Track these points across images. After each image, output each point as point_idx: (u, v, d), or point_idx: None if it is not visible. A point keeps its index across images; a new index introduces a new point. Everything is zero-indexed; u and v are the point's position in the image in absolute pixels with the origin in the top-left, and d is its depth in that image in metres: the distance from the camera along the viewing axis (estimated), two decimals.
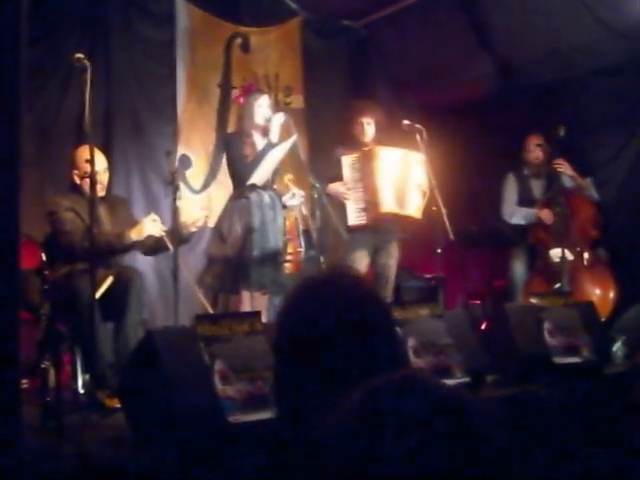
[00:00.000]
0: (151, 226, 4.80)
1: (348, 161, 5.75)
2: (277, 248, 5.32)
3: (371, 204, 5.67)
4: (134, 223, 4.89)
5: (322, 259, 5.33)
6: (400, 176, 5.74)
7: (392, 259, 5.92)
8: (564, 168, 6.48)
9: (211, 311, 5.06)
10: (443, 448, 0.91)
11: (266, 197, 5.36)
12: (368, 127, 5.87)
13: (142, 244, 5.10)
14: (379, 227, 5.77)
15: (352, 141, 5.94)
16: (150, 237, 4.88)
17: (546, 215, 6.47)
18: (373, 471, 0.90)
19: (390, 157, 5.76)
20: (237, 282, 5.20)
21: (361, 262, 5.73)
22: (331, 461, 0.94)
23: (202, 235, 6.13)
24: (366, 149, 5.82)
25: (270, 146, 5.27)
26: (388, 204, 5.67)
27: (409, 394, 0.96)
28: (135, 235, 4.75)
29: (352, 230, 5.68)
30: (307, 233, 5.78)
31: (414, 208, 5.77)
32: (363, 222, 5.68)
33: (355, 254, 5.75)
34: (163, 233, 4.81)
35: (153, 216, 4.89)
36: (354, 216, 5.69)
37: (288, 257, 5.63)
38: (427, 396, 0.96)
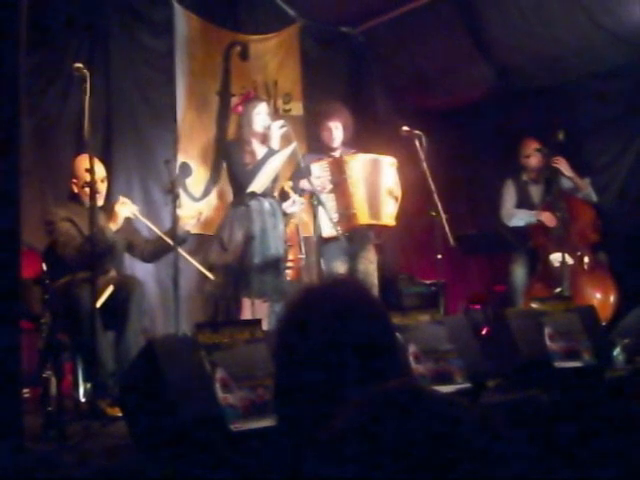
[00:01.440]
0: (123, 209, 4.86)
1: (318, 169, 5.60)
2: (278, 255, 5.31)
3: (345, 216, 5.54)
4: (130, 230, 4.94)
5: (323, 266, 5.31)
6: (371, 183, 5.65)
7: (371, 264, 5.83)
8: (562, 166, 6.47)
9: (210, 276, 5.07)
10: (438, 460, 0.91)
11: (266, 204, 5.36)
12: (336, 131, 5.78)
13: (141, 251, 5.11)
14: (353, 235, 5.66)
15: (320, 147, 5.89)
16: (148, 241, 4.95)
17: (548, 218, 6.46)
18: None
19: (360, 164, 5.65)
20: (238, 290, 5.20)
21: (339, 270, 5.63)
22: (330, 471, 0.94)
23: (202, 243, 6.15)
24: (335, 157, 5.74)
25: (271, 153, 5.28)
26: (363, 216, 5.58)
27: (406, 405, 0.96)
28: (113, 224, 4.80)
29: (327, 241, 5.51)
30: (307, 240, 5.78)
31: (388, 217, 5.70)
32: (338, 233, 5.42)
33: (332, 263, 5.59)
34: (136, 212, 4.91)
35: (122, 199, 4.96)
36: (328, 227, 5.45)
37: (289, 264, 5.63)
38: (423, 408, 0.96)
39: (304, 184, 5.51)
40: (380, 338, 1.50)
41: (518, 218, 6.66)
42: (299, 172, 5.56)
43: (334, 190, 5.59)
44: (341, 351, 1.45)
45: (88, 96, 4.16)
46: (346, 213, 5.55)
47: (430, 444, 0.92)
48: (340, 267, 5.65)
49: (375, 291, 5.77)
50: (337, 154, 5.79)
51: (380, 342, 1.50)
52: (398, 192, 5.71)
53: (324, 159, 5.72)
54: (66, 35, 6.05)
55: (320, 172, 5.60)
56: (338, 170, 5.60)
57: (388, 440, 0.92)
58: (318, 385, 1.44)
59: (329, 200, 5.56)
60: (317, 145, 5.89)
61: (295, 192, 5.49)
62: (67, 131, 5.88)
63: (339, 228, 5.42)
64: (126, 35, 6.41)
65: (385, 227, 5.79)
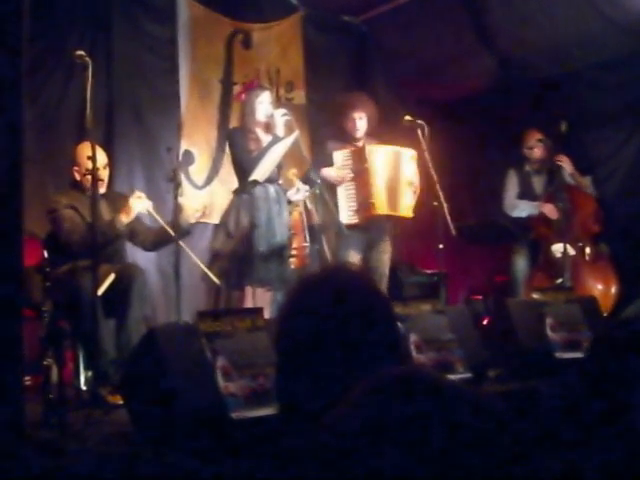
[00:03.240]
0: (137, 203, 4.85)
1: (340, 157, 5.72)
2: (283, 243, 5.31)
3: (364, 205, 5.65)
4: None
5: (327, 254, 5.33)
6: (391, 175, 5.73)
7: (385, 254, 5.90)
8: (565, 164, 6.48)
9: (216, 280, 5.08)
10: (445, 444, 0.91)
11: (272, 191, 5.36)
12: (360, 122, 5.80)
13: (143, 240, 5.11)
14: (371, 225, 5.75)
15: (343, 135, 5.89)
16: (150, 230, 4.93)
17: (550, 210, 6.46)
18: (375, 469, 0.91)
19: (381, 155, 5.73)
20: (242, 277, 5.18)
21: (353, 259, 5.69)
22: (333, 459, 0.94)
23: (204, 232, 6.15)
24: (358, 146, 5.78)
25: (275, 141, 5.27)
26: (381, 206, 5.67)
27: (411, 390, 0.96)
28: (125, 217, 4.79)
29: (346, 228, 5.59)
30: (312, 228, 5.78)
31: (406, 208, 5.77)
32: (355, 221, 5.65)
33: (347, 252, 5.68)
34: (150, 208, 4.89)
35: (138, 193, 4.95)
36: (346, 215, 5.64)
37: (293, 252, 5.63)
38: (429, 392, 0.96)
39: (328, 172, 5.64)
40: (380, 324, 1.50)
41: (520, 209, 6.65)
42: (321, 159, 5.64)
43: (354, 179, 5.67)
44: (341, 338, 1.45)
45: (90, 84, 4.15)
46: (365, 202, 5.64)
47: (435, 430, 0.92)
48: (354, 256, 5.71)
49: (385, 281, 5.83)
50: (360, 144, 5.82)
51: (381, 329, 1.50)
52: (417, 184, 5.74)
53: (347, 147, 5.77)
54: (68, 22, 6.03)
55: (342, 160, 5.70)
56: (360, 159, 5.68)
57: (392, 426, 0.92)
58: (320, 372, 1.44)
59: (349, 189, 5.66)
60: (339, 133, 5.90)
61: (308, 179, 5.50)
62: (69, 119, 5.86)
63: (357, 217, 5.60)
64: (128, 22, 6.39)
65: (402, 218, 5.83)
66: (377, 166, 5.67)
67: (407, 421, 0.92)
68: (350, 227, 5.60)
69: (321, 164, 5.71)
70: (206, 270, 5.09)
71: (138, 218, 5.17)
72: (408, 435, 0.91)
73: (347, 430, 0.95)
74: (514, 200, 6.72)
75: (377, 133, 5.96)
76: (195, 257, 5.05)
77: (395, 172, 5.74)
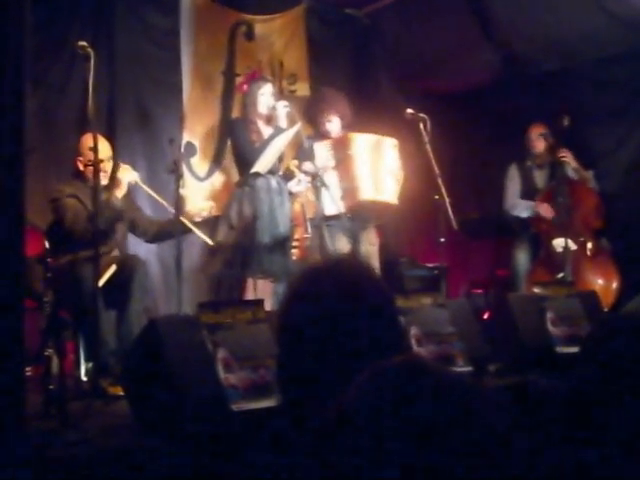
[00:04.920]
0: (125, 175, 4.88)
1: (322, 148, 5.65)
2: (286, 234, 5.31)
3: (349, 191, 5.57)
4: (133, 208, 4.94)
5: (329, 245, 5.32)
6: (374, 161, 5.69)
7: (373, 245, 5.88)
8: (568, 159, 6.47)
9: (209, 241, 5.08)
10: (446, 433, 0.91)
11: (273, 182, 5.36)
12: (330, 125, 5.82)
13: (144, 231, 5.12)
14: (355, 215, 5.65)
15: (320, 132, 5.89)
16: (152, 222, 4.95)
17: (545, 209, 6.46)
18: (377, 459, 0.91)
19: (364, 142, 5.71)
20: (245, 269, 5.18)
21: (344, 250, 5.66)
22: (334, 449, 0.94)
23: (206, 223, 6.14)
24: (339, 136, 5.77)
25: (277, 133, 5.26)
26: (367, 191, 5.61)
27: (412, 379, 0.96)
28: (118, 191, 4.80)
29: (329, 219, 5.54)
30: (313, 219, 5.77)
31: (390, 194, 5.73)
32: (341, 211, 5.50)
33: (337, 243, 5.61)
34: (137, 179, 4.97)
35: (123, 166, 5.00)
36: (331, 205, 5.51)
37: (295, 243, 5.62)
38: (430, 381, 0.96)
39: (307, 166, 5.54)
40: (383, 316, 1.51)
41: (520, 210, 6.65)
42: (302, 154, 5.57)
43: (338, 167, 5.61)
44: (344, 329, 1.45)
45: (92, 74, 4.15)
46: (350, 187, 5.58)
47: (437, 420, 0.92)
48: (344, 246, 5.67)
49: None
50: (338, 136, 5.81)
51: (383, 320, 1.50)
52: (400, 174, 5.72)
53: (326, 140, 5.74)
54: (70, 13, 6.02)
55: (324, 151, 5.63)
56: (342, 147, 5.64)
57: (395, 417, 0.92)
58: (321, 364, 1.44)
59: (333, 177, 5.59)
60: (316, 132, 5.90)
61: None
62: (71, 110, 5.86)
63: (343, 206, 5.48)
64: (131, 13, 6.36)
65: (388, 205, 5.78)
66: (361, 151, 5.64)
67: (408, 406, 0.92)
68: (335, 217, 5.51)
69: (303, 160, 5.64)
70: (205, 238, 5.07)
71: (139, 209, 5.18)
72: (408, 420, 0.91)
73: (350, 416, 0.95)
74: (515, 199, 6.71)
75: (357, 122, 5.94)
76: (197, 230, 5.03)
77: (378, 159, 5.70)
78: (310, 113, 5.96)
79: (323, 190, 5.42)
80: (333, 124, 5.81)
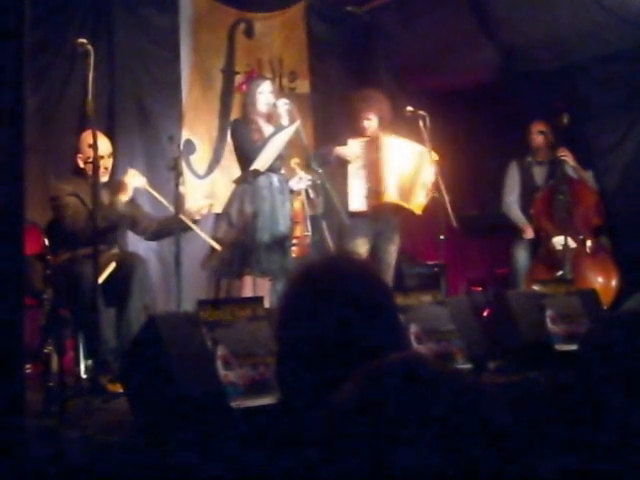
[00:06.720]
0: (132, 180, 4.85)
1: (355, 145, 5.79)
2: (286, 232, 5.32)
3: (374, 192, 5.71)
4: (133, 206, 4.93)
5: (328, 243, 5.33)
6: (409, 170, 5.78)
7: (393, 245, 5.94)
8: (568, 158, 6.47)
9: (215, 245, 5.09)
10: (446, 430, 0.91)
11: (275, 180, 5.36)
12: (368, 122, 5.85)
13: (144, 229, 5.11)
14: (379, 215, 5.80)
15: (357, 132, 5.92)
16: (152, 220, 4.94)
17: (529, 233, 6.48)
18: (376, 457, 0.91)
19: (399, 148, 5.79)
20: (244, 267, 5.18)
21: (361, 248, 5.73)
22: (333, 446, 0.94)
23: (205, 220, 6.13)
24: (373, 136, 5.83)
25: (278, 131, 5.26)
26: (391, 194, 5.72)
27: (411, 376, 0.96)
28: (123, 196, 4.78)
29: (353, 215, 5.68)
30: (313, 217, 5.78)
31: (416, 204, 5.78)
32: (364, 208, 5.73)
33: (356, 240, 5.75)
34: (145, 184, 4.92)
35: (131, 171, 4.96)
36: (356, 202, 5.73)
37: (294, 241, 5.63)
38: (430, 378, 0.96)
39: (342, 150, 5.75)
40: (382, 314, 1.50)
41: (512, 216, 6.66)
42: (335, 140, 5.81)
43: (367, 167, 5.76)
44: (342, 327, 1.45)
45: (91, 72, 4.14)
46: (375, 190, 5.72)
47: (437, 417, 0.92)
48: (361, 246, 5.75)
49: (391, 273, 5.90)
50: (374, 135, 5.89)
51: (382, 318, 1.50)
52: (433, 189, 5.72)
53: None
54: (69, 10, 6.02)
55: (357, 148, 5.78)
56: (374, 148, 5.75)
57: (392, 413, 0.92)
58: (321, 361, 1.44)
59: (361, 176, 5.75)
60: (353, 131, 5.96)
61: (309, 168, 5.50)
62: (70, 107, 5.86)
63: (366, 204, 5.71)
64: (130, 10, 6.37)
65: (411, 213, 5.85)
66: (391, 156, 5.73)
67: (407, 404, 0.93)
68: (358, 214, 5.69)
69: (335, 144, 5.82)
70: (208, 239, 5.09)
71: (138, 207, 5.17)
72: (407, 416, 0.92)
73: (346, 411, 0.95)
74: (511, 203, 6.71)
75: (394, 126, 5.98)
76: (197, 228, 5.03)
77: (414, 168, 5.78)
78: (351, 109, 6.00)
79: (350, 186, 5.68)
80: (372, 122, 5.86)
